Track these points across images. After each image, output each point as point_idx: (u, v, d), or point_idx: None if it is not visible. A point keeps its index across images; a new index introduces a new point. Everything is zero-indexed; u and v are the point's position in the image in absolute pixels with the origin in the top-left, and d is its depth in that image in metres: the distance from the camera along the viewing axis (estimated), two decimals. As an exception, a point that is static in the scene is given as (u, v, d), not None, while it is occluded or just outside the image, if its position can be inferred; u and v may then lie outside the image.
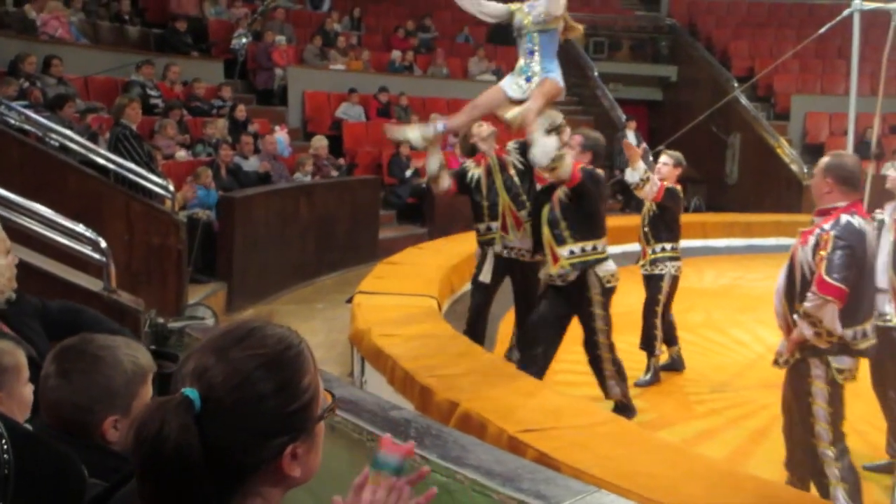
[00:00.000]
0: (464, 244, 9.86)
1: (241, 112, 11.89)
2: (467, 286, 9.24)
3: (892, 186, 4.88)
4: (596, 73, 18.01)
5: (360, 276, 8.17)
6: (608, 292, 5.58)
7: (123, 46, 13.05)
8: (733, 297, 9.07)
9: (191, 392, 1.29)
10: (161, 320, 4.63)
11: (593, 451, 3.98)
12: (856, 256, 3.85)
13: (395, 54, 16.10)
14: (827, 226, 3.93)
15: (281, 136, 12.16)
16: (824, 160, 4.13)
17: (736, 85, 16.25)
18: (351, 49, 15.79)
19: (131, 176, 6.86)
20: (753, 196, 16.16)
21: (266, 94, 14.34)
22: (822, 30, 11.06)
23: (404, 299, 6.88)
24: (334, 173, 11.86)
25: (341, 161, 12.61)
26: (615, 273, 5.58)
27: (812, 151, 17.75)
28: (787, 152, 16.06)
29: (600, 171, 5.70)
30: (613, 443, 4.15)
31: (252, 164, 10.60)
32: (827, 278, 3.82)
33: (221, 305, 8.08)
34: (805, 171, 15.85)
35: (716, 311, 8.76)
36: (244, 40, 9.82)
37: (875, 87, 11.57)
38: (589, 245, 5.52)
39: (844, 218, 3.90)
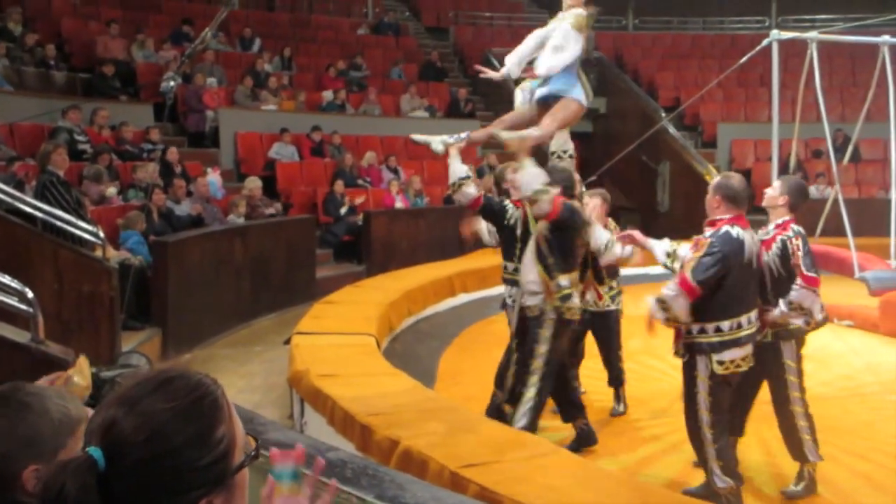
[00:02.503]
0: (402, 280, 9.88)
1: (172, 155, 11.77)
2: (406, 323, 9.26)
3: (768, 204, 5.08)
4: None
5: (297, 316, 8.10)
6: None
7: (49, 92, 12.84)
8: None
9: (94, 451, 1.25)
10: (93, 370, 4.52)
11: (535, 483, 3.98)
12: (727, 261, 4.52)
13: (327, 94, 16.11)
14: (709, 233, 4.63)
15: (213, 178, 12.06)
16: (715, 180, 4.84)
17: (663, 115, 16.59)
18: (282, 89, 15.77)
19: (59, 223, 6.72)
20: (685, 222, 16.40)
21: (197, 136, 14.23)
22: (743, 59, 11.40)
23: (343, 338, 6.84)
24: (271, 210, 11.76)
25: (278, 206, 12.46)
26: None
27: (739, 178, 18.18)
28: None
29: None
30: (555, 474, 4.16)
31: (184, 207, 10.48)
32: (688, 277, 4.52)
33: (157, 352, 7.93)
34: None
35: (654, 337, 8.83)
36: (173, 83, 9.73)
37: (796, 113, 11.94)
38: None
39: (724, 228, 4.59)
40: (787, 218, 4.97)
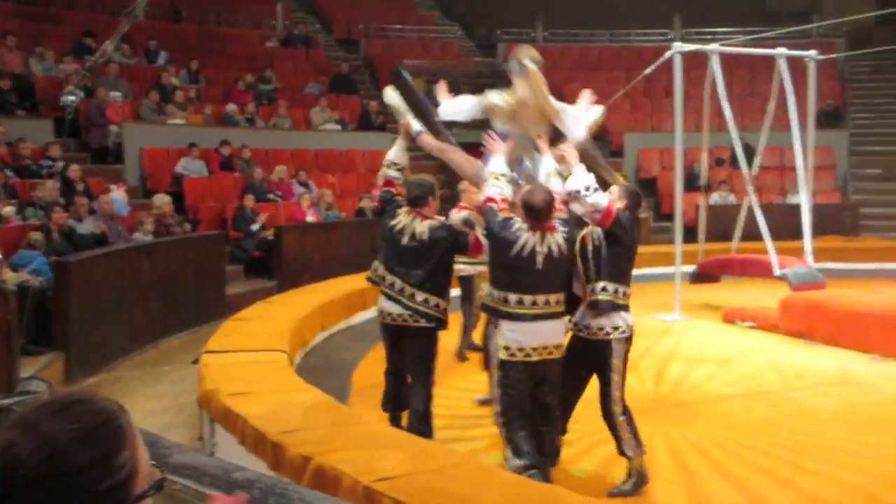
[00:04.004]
0: (314, 295, 9.80)
1: (73, 172, 11.43)
2: (319, 337, 9.18)
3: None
4: (438, 119, 18.26)
5: (207, 334, 7.95)
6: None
7: (-58, 108, 12.39)
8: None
9: None
10: (-12, 397, 4.36)
11: (450, 494, 3.99)
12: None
13: (231, 107, 15.89)
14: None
15: (118, 194, 11.77)
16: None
17: (572, 125, 16.81)
18: (190, 103, 15.51)
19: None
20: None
21: (100, 152, 13.87)
22: (648, 70, 11.67)
23: (254, 356, 6.74)
24: (186, 226, 11.49)
25: (187, 227, 12.18)
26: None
27: (646, 186, 18.61)
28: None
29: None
30: (469, 484, 4.17)
31: (87, 225, 10.18)
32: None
33: (59, 376, 7.67)
34: (642, 204, 16.53)
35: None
36: (73, 97, 9.46)
37: (700, 123, 12.29)
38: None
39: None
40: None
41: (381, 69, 21.06)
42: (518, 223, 4.96)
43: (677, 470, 5.53)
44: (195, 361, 6.88)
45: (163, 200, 11.65)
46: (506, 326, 4.96)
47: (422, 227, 5.68)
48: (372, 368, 8.33)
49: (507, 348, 4.94)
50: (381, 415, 6.57)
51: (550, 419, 5.26)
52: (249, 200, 13.10)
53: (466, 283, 8.52)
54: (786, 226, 11.97)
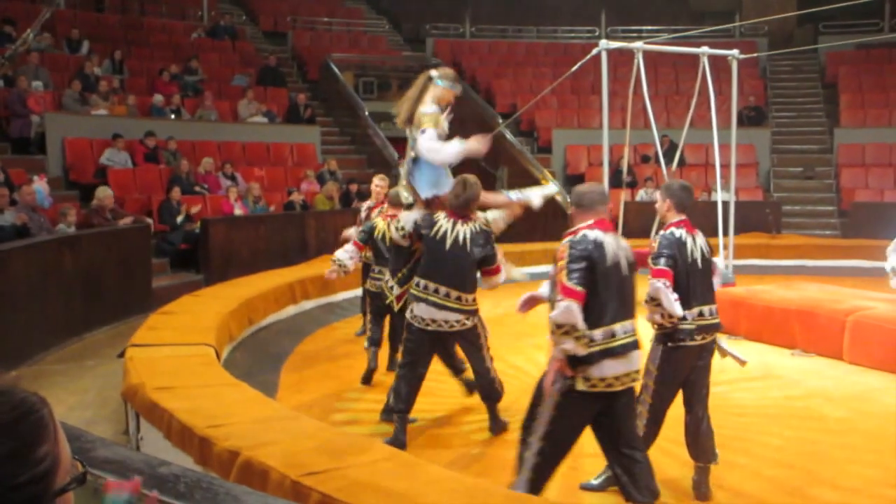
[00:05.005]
0: (242, 289, 9.70)
1: (-8, 162, 11.13)
2: (247, 332, 9.10)
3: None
4: (367, 113, 18.27)
5: (133, 328, 7.82)
6: None
7: None
8: (510, 324, 9.37)
9: None
10: None
11: (378, 488, 4.00)
12: (592, 263, 4.23)
13: (158, 98, 15.62)
14: (565, 240, 4.36)
15: (40, 185, 11.48)
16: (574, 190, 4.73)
17: (500, 121, 16.97)
18: (114, 93, 15.20)
19: None
20: (524, 226, 16.87)
21: (22, 142, 13.52)
22: (574, 68, 11.78)
23: (180, 349, 6.65)
24: (125, 221, 11.23)
25: (129, 219, 11.86)
26: None
27: (574, 182, 18.81)
28: (552, 183, 16.94)
29: None
30: (397, 477, 4.19)
31: (8, 217, 9.92)
32: (566, 283, 4.17)
33: (-23, 371, 7.48)
34: (569, 200, 16.74)
35: (494, 339, 9.02)
36: (-8, 86, 9.20)
37: (626, 120, 12.48)
38: None
39: (582, 232, 4.35)
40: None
41: (309, 62, 20.92)
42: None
43: (603, 468, 5.61)
44: (120, 355, 6.76)
45: (105, 193, 11.36)
46: None
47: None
48: (301, 363, 8.32)
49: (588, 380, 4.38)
50: (310, 407, 6.56)
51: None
52: (176, 193, 12.91)
53: None
54: (710, 223, 12.22)
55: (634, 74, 11.38)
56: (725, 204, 11.26)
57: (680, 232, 5.00)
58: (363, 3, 25.30)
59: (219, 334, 7.53)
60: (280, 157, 16.67)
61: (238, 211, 13.38)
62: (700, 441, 5.11)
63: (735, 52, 12.48)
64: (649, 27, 21.49)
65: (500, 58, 23.22)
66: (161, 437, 5.15)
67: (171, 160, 14.40)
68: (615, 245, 4.38)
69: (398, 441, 5.70)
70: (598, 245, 4.29)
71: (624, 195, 12.84)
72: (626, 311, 4.37)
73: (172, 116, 15.73)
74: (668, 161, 12.33)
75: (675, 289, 4.76)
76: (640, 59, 11.40)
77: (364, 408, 6.90)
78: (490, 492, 4.28)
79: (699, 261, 4.98)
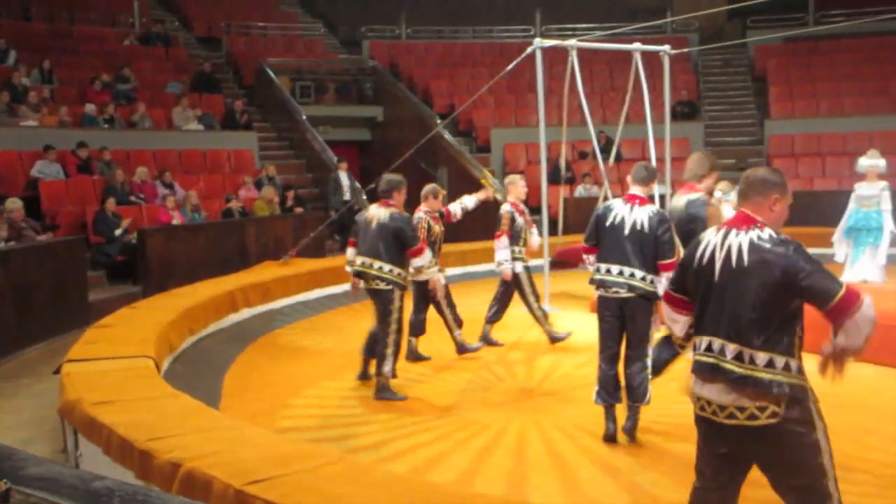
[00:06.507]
0: (181, 299, 9.56)
1: (-84, 178, 10.82)
2: (188, 342, 8.96)
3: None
4: (304, 117, 18.16)
5: (69, 343, 7.63)
6: None
7: None
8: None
9: None
10: None
11: (323, 492, 3.98)
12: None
13: (90, 107, 15.33)
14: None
15: (-33, 200, 11.19)
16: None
17: (439, 121, 16.99)
18: (43, 103, 14.88)
19: None
20: (465, 226, 16.93)
21: (-53, 156, 13.17)
22: (510, 67, 11.87)
23: (118, 363, 6.52)
24: (42, 237, 10.99)
25: (49, 234, 11.65)
26: None
27: (513, 180, 18.94)
28: (491, 182, 16.99)
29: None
30: (342, 481, 4.16)
31: (-66, 233, 9.66)
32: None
33: None
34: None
35: (437, 340, 9.05)
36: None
37: (562, 117, 12.59)
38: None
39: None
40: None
41: (244, 67, 20.73)
42: None
43: (549, 457, 5.66)
44: (56, 371, 6.61)
45: (15, 205, 11.13)
46: None
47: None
48: (243, 371, 8.23)
49: None
50: (254, 416, 6.49)
51: None
52: (111, 204, 12.67)
53: (516, 278, 8.70)
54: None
55: (569, 72, 11.48)
56: (662, 197, 11.41)
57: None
58: (298, 7, 25.14)
59: (158, 346, 7.40)
60: (217, 164, 16.48)
61: (176, 220, 13.19)
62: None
63: (666, 47, 12.67)
64: (583, 25, 21.69)
65: (437, 59, 23.26)
66: (100, 453, 5.04)
67: (105, 171, 14.14)
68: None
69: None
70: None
71: (563, 191, 12.96)
72: None
73: (105, 126, 15.45)
74: (606, 157, 12.47)
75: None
76: (574, 57, 11.51)
77: (308, 413, 6.85)
78: (436, 491, 4.28)
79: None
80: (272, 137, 18.84)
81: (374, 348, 7.16)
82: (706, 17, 19.68)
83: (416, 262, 7.14)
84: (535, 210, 11.32)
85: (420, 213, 8.20)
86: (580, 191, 17.00)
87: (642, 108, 11.96)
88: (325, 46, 23.04)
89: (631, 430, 5.87)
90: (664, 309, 3.85)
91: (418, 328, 8.32)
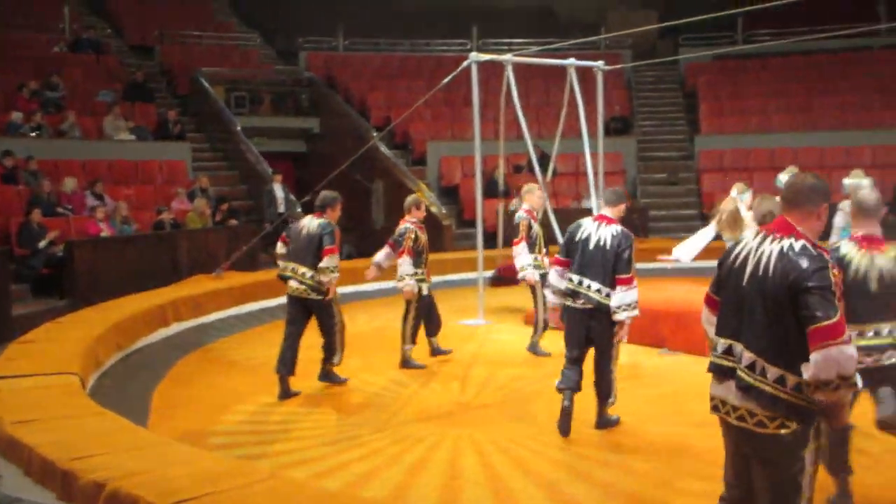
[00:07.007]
0: (109, 313, 9.37)
1: None
2: (115, 357, 8.76)
3: None
4: (239, 128, 17.97)
5: (-10, 359, 7.41)
6: None
7: None
8: (387, 338, 9.35)
9: None
10: None
11: (253, 512, 3.91)
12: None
13: (17, 115, 14.94)
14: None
15: None
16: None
17: (374, 134, 16.95)
18: (-34, 112, 14.46)
19: None
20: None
21: None
22: (446, 80, 11.90)
23: (41, 380, 6.36)
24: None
25: None
26: None
27: (448, 193, 19.01)
28: (427, 195, 17.00)
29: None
30: (274, 499, 4.11)
31: None
32: None
33: None
34: (444, 211, 16.87)
35: (372, 354, 8.99)
36: None
37: (499, 131, 12.66)
38: None
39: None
40: None
41: (178, 77, 20.43)
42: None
43: (483, 470, 5.65)
44: (-25, 389, 6.40)
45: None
46: None
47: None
48: (173, 388, 8.07)
49: None
50: (184, 433, 6.35)
51: None
52: (36, 215, 12.35)
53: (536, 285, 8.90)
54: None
55: (505, 86, 11.56)
56: (590, 211, 11.55)
57: None
58: (234, 17, 24.87)
59: (84, 361, 7.23)
60: (149, 175, 16.20)
61: (105, 232, 12.91)
62: None
63: (600, 63, 12.84)
64: (519, 40, 21.86)
65: (374, 71, 23.23)
66: (21, 475, 4.89)
67: (30, 181, 13.78)
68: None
69: None
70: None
71: (500, 205, 13.01)
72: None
73: (33, 134, 15.08)
74: (542, 170, 12.56)
75: None
76: (510, 72, 11.59)
77: (239, 429, 6.74)
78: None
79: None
80: (206, 148, 18.59)
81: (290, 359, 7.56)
82: (639, 34, 19.96)
83: (324, 262, 7.39)
84: (471, 223, 11.34)
85: (407, 224, 8.53)
86: (515, 203, 17.07)
87: (577, 122, 12.08)
88: (262, 57, 22.84)
89: (600, 427, 6.45)
90: (703, 312, 3.81)
91: (433, 329, 8.89)
